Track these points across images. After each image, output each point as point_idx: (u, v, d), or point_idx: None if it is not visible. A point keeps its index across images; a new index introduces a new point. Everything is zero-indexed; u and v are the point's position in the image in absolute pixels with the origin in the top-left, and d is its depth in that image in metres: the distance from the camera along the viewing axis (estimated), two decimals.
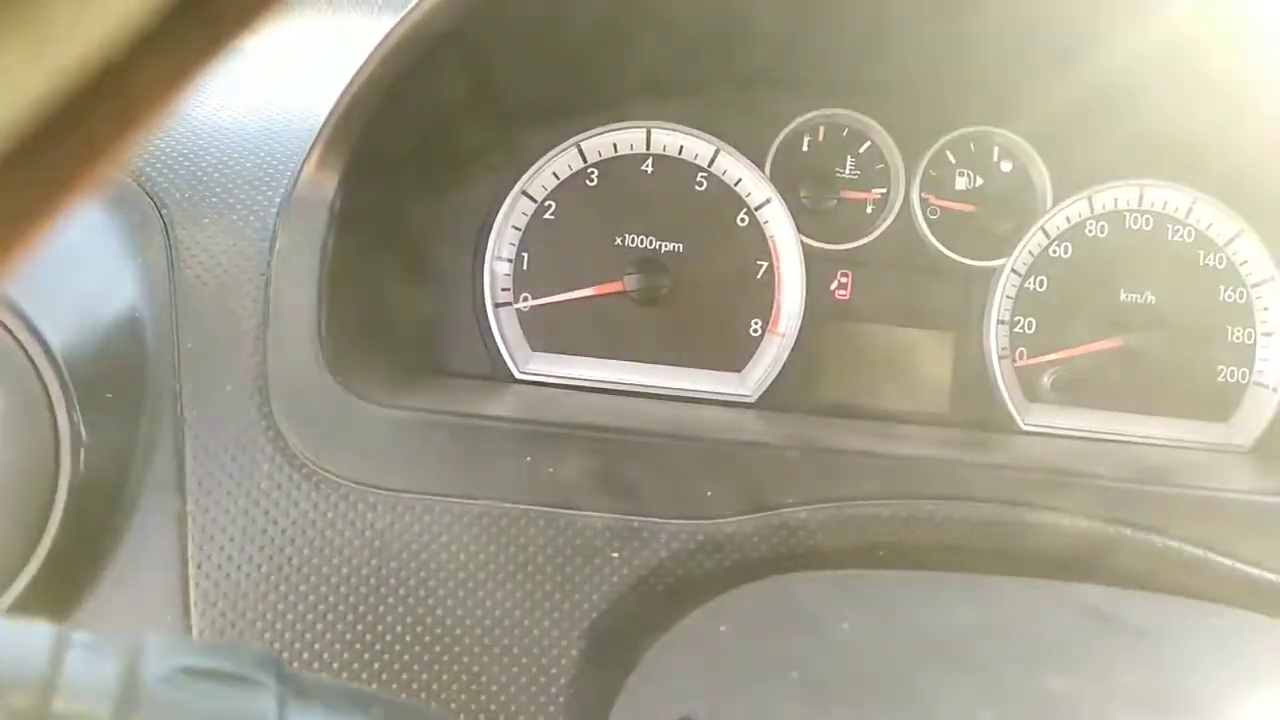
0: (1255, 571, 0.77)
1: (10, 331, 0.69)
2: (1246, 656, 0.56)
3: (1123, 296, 1.07)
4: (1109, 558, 0.76)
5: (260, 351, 0.78)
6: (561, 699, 0.72)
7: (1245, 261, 1.08)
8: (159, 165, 0.86)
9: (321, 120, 0.83)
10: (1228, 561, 0.78)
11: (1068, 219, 1.08)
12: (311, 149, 0.84)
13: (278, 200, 0.86)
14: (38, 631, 0.40)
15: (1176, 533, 0.78)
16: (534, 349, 1.04)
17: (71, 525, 0.71)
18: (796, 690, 0.51)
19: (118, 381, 0.76)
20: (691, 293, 1.05)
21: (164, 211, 0.84)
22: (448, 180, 1.01)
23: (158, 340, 0.79)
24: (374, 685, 0.72)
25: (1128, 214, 1.09)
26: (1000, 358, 1.06)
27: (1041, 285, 1.08)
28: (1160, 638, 0.57)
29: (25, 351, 0.69)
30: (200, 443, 0.76)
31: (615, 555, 0.75)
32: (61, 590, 0.73)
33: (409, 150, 0.92)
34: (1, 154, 0.23)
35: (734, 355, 1.06)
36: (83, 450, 0.71)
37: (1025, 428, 1.05)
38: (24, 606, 0.69)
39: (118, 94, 0.24)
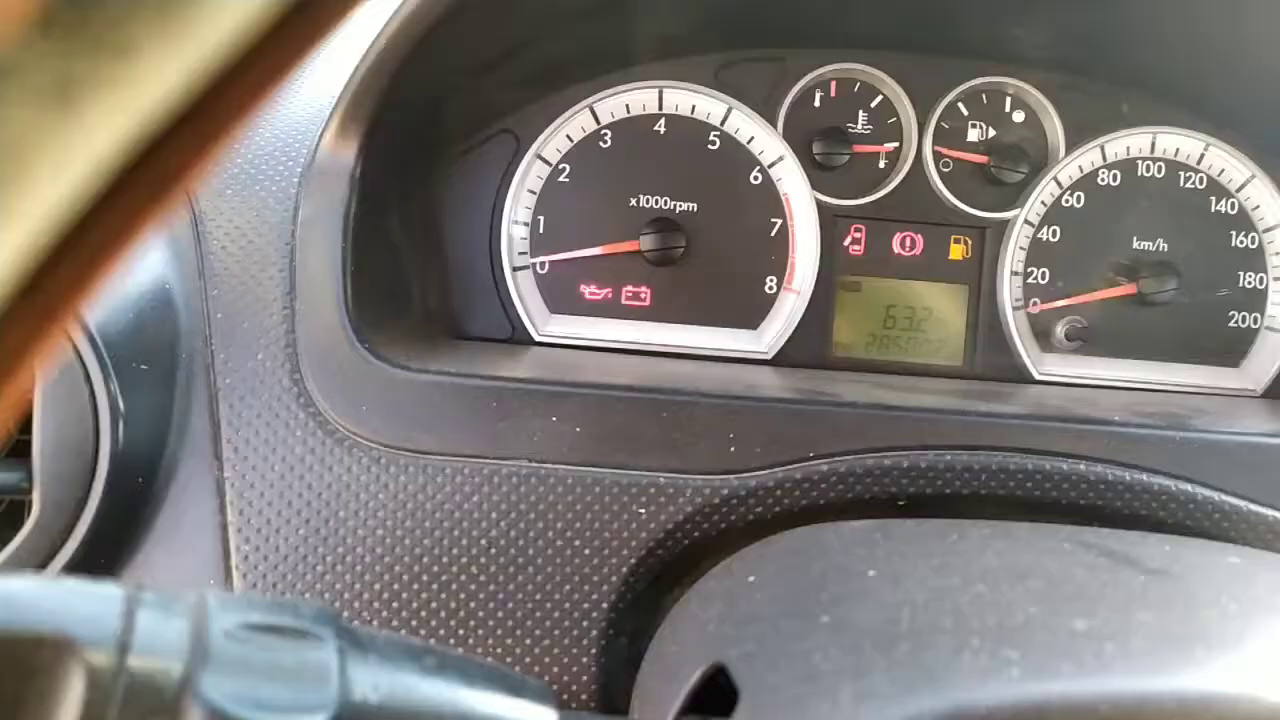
0: (1269, 512, 0.79)
1: None
2: (1264, 590, 0.58)
3: (1135, 244, 1.08)
4: (1124, 502, 0.78)
5: (288, 319, 0.79)
6: (594, 650, 0.75)
7: (1257, 207, 1.09)
8: None
9: (339, 89, 0.84)
10: (1241, 503, 0.79)
11: (1080, 168, 1.08)
12: (330, 117, 0.85)
13: (299, 170, 0.87)
14: (109, 591, 0.42)
15: (1190, 476, 0.80)
16: (552, 311, 1.06)
17: (114, 493, 0.73)
18: (827, 634, 0.53)
19: (152, 353, 0.78)
20: (706, 251, 1.06)
21: None
22: (463, 145, 1.02)
23: (189, 312, 0.80)
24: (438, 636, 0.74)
25: (1140, 161, 1.09)
26: (1014, 308, 1.08)
27: (1054, 235, 1.09)
28: (1177, 576, 0.59)
29: None
30: (234, 410, 0.77)
31: (642, 511, 0.76)
32: (106, 556, 0.75)
33: (425, 117, 0.93)
34: (92, 194, 0.25)
35: (749, 313, 1.07)
36: (121, 421, 0.73)
37: (1040, 377, 1.07)
38: (72, 572, 0.71)
39: (196, 126, 0.25)
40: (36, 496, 0.71)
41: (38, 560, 0.71)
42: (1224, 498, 0.79)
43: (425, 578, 0.75)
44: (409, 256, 0.96)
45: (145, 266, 0.80)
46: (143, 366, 0.76)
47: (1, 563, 0.70)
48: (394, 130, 0.87)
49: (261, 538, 0.75)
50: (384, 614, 0.74)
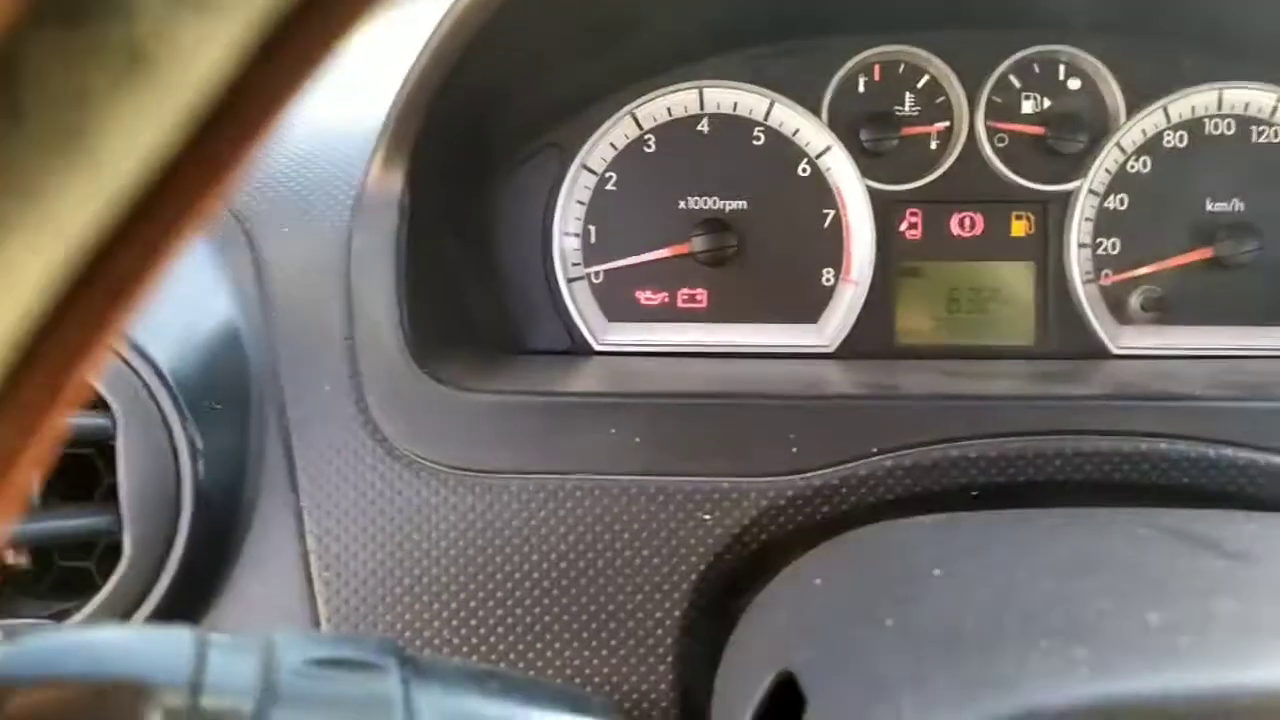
0: None
1: (122, 357, 0.74)
2: None
3: (1209, 206, 1.04)
4: (1209, 479, 0.75)
5: (350, 350, 0.81)
6: (669, 659, 0.75)
7: None
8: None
9: (384, 118, 0.86)
10: None
11: (1143, 132, 1.04)
12: (376, 147, 0.87)
13: (350, 202, 0.89)
14: (179, 635, 0.43)
15: (1278, 447, 0.76)
16: (610, 319, 1.06)
17: (199, 529, 0.76)
18: (891, 638, 0.52)
19: (224, 391, 0.81)
20: (760, 249, 1.05)
21: (246, 225, 0.88)
22: (509, 162, 1.03)
23: (256, 349, 0.83)
24: (489, 662, 0.75)
25: (1207, 120, 1.04)
26: (1085, 282, 1.04)
27: (1122, 204, 1.05)
28: (1261, 559, 0.56)
29: (137, 374, 0.74)
30: (306, 442, 0.80)
31: (707, 518, 0.76)
32: (197, 590, 0.78)
33: (468, 138, 0.95)
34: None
35: (808, 307, 1.06)
36: (201, 459, 0.76)
37: (1117, 351, 1.03)
38: (164, 611, 0.75)
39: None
40: (128, 538, 0.75)
41: (133, 599, 0.75)
42: None
43: (500, 595, 0.76)
44: (464, 277, 0.97)
45: (212, 308, 0.84)
46: (216, 405, 0.79)
47: (99, 604, 0.74)
48: (438, 155, 0.89)
49: (341, 564, 0.77)
50: (462, 632, 0.76)
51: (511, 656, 0.75)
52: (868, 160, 1.05)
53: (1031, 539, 0.62)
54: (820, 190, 1.05)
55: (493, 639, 0.75)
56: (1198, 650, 0.45)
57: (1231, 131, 1.04)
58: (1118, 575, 0.54)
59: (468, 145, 0.95)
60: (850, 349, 1.04)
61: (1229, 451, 0.76)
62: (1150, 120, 1.04)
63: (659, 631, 0.75)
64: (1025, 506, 0.71)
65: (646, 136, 1.06)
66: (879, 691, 0.49)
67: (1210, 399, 0.81)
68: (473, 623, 0.75)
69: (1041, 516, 0.66)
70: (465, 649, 0.75)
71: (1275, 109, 1.03)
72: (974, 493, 0.78)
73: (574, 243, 1.06)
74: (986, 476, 0.77)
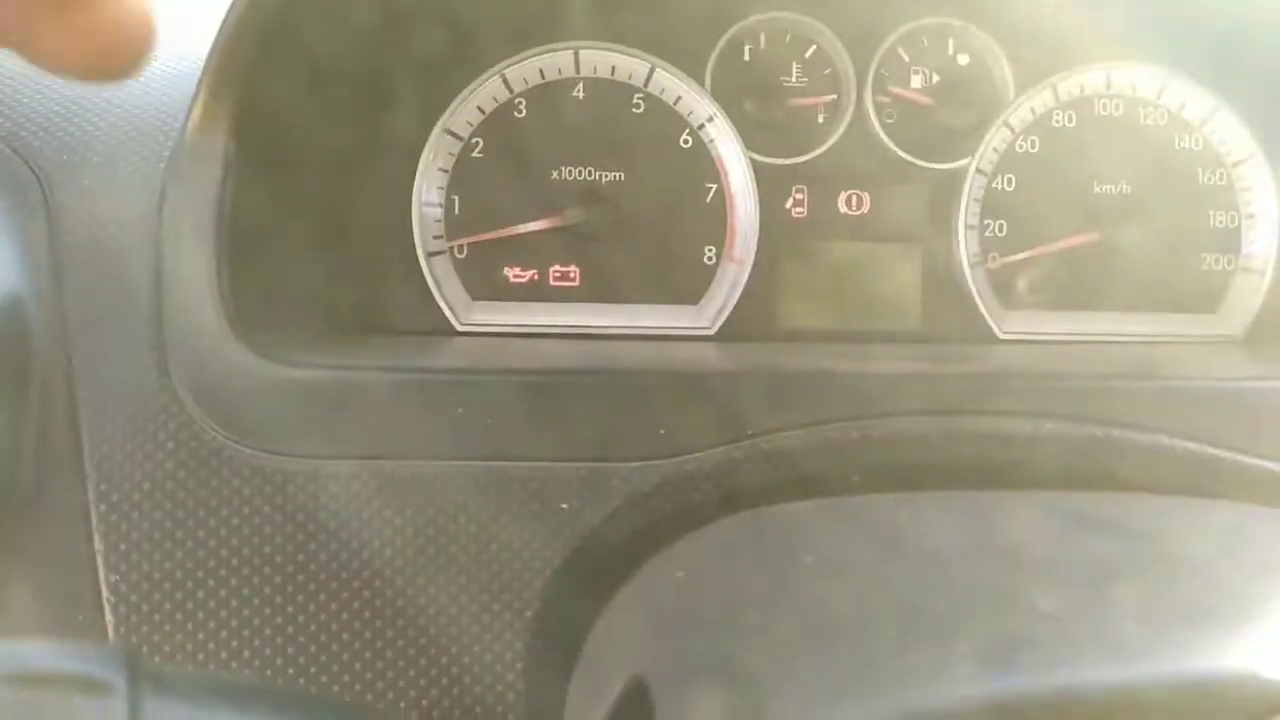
0: (1256, 462, 0.71)
1: None
2: (1259, 551, 0.50)
3: (1096, 189, 1.01)
4: (1100, 461, 0.71)
5: (155, 319, 0.71)
6: (517, 668, 0.67)
7: (1223, 141, 1.02)
8: (32, 124, 0.78)
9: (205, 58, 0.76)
10: (1225, 454, 0.72)
11: (1032, 110, 1.01)
12: (197, 92, 0.76)
13: (167, 154, 0.78)
14: None
15: (1169, 428, 0.73)
16: (475, 298, 0.97)
17: None
18: (755, 634, 0.45)
19: (1, 367, 0.69)
20: (637, 224, 0.98)
21: (40, 174, 0.76)
22: (362, 120, 0.93)
23: (42, 316, 0.71)
24: (313, 672, 0.65)
25: (1096, 100, 1.01)
26: (972, 265, 1.00)
27: (1009, 184, 1.01)
28: (1159, 541, 0.51)
29: None
30: (96, 424, 0.69)
31: (565, 507, 0.68)
32: None
33: (310, 88, 0.84)
34: None
35: (689, 287, 0.99)
36: None
37: (1003, 336, 0.99)
38: None
39: None
40: None
41: None
42: (1207, 449, 0.71)
43: (323, 598, 0.66)
44: (307, 245, 0.87)
45: None
46: None
47: None
48: (273, 103, 0.79)
49: (132, 564, 0.66)
50: (277, 641, 0.66)
51: (335, 669, 0.65)
52: (752, 132, 0.99)
53: (913, 524, 0.56)
54: (702, 163, 0.99)
55: (313, 649, 0.65)
56: (1094, 639, 0.39)
57: (1119, 113, 1.01)
58: (1007, 560, 0.48)
59: (308, 95, 0.85)
60: (732, 332, 0.98)
61: (1118, 433, 0.72)
62: (1040, 99, 1.00)
63: (507, 635, 0.67)
64: (908, 489, 0.65)
65: (517, 100, 0.97)
66: (737, 694, 0.42)
67: (1099, 379, 0.77)
68: (290, 630, 0.65)
69: (925, 500, 0.60)
70: (281, 663, 0.65)
71: (1162, 91, 1.01)
72: (855, 477, 0.71)
73: (435, 213, 0.97)
74: (870, 460, 0.71)
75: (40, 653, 0.36)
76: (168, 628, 0.65)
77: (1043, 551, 0.50)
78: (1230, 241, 1.02)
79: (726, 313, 0.98)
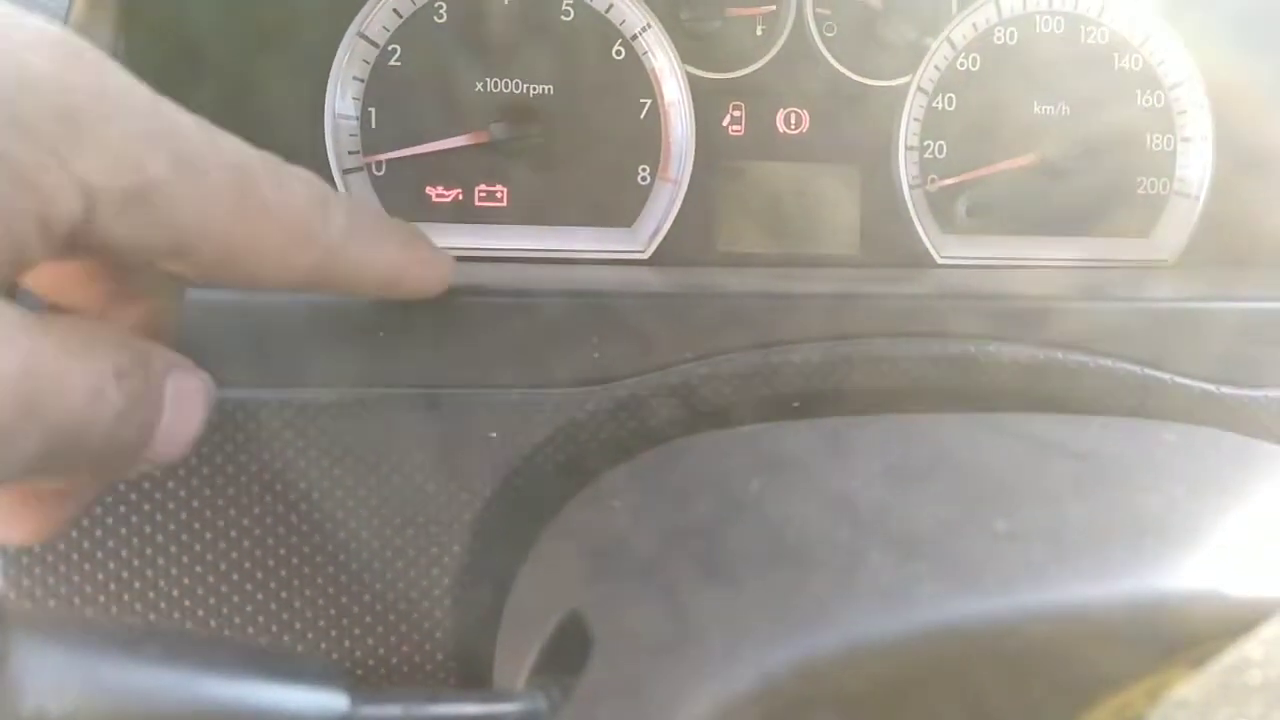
0: (1192, 383, 0.71)
1: None
2: (1209, 469, 0.50)
3: (1036, 109, 0.99)
4: (1042, 382, 0.69)
5: None
6: (448, 603, 0.63)
7: (1162, 62, 1.00)
8: None
9: None
10: (1164, 375, 0.71)
11: (974, 26, 0.98)
12: None
13: None
14: None
15: (1109, 350, 0.72)
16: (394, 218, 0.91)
17: None
18: (697, 563, 0.43)
19: None
20: (567, 141, 0.93)
21: None
22: (265, 21, 0.86)
23: None
24: (224, 613, 0.61)
25: (1038, 17, 0.99)
26: (911, 187, 0.98)
27: (950, 103, 0.99)
28: (1108, 461, 0.50)
29: None
30: None
31: (493, 435, 0.65)
32: None
33: None
34: None
35: (622, 208, 0.95)
36: None
37: (942, 261, 0.97)
38: None
39: None
40: None
41: None
42: (1147, 371, 0.71)
43: (233, 534, 0.62)
44: None
45: None
46: None
47: None
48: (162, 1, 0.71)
49: None
50: (184, 581, 0.61)
51: (249, 609, 0.61)
52: (689, 43, 0.94)
53: (861, 446, 0.54)
54: (636, 76, 0.94)
55: (224, 588, 0.61)
56: (1054, 559, 0.37)
57: (1060, 30, 0.99)
58: (958, 480, 0.46)
59: None
60: (667, 255, 0.94)
61: (1059, 354, 0.71)
62: (982, 14, 0.98)
63: (434, 571, 0.63)
64: (850, 414, 0.63)
65: (437, 4, 0.91)
66: (680, 627, 0.39)
67: (1038, 300, 0.76)
68: (198, 570, 0.61)
69: (871, 422, 0.58)
70: (189, 604, 0.61)
71: (1103, 9, 0.99)
72: (795, 403, 0.69)
73: (350, 126, 0.90)
74: (809, 384, 0.69)
75: None
76: (62, 568, 0.60)
77: (991, 472, 0.49)
78: (1165, 166, 1.01)
79: (661, 235, 0.94)
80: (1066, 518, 0.41)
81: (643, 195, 0.95)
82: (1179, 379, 0.70)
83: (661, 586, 0.43)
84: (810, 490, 0.48)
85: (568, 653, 0.44)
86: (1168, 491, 0.45)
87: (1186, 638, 0.36)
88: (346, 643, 0.63)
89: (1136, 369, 0.70)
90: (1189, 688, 0.34)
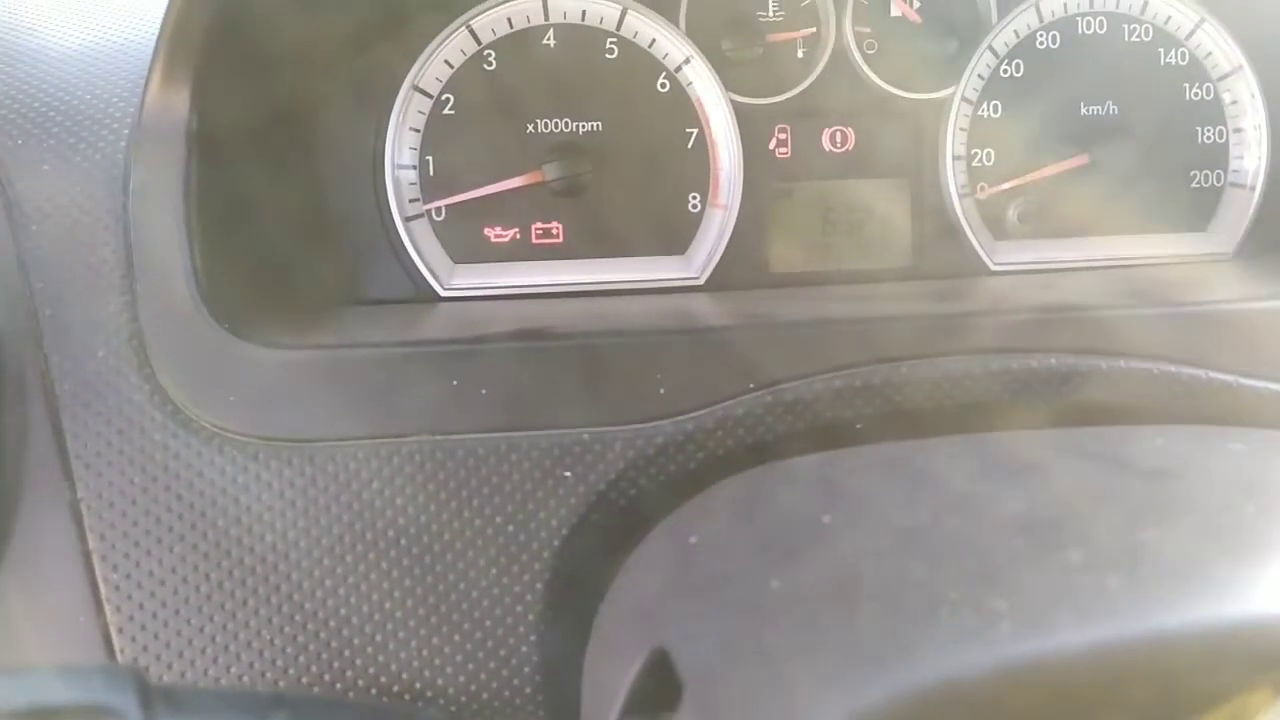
0: (1261, 384, 0.71)
1: None
2: (1272, 480, 0.50)
3: (1083, 110, 0.99)
4: (1106, 393, 0.70)
5: (130, 306, 0.68)
6: (530, 640, 0.66)
7: (1209, 54, 1.00)
8: None
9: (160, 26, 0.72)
10: (1230, 378, 0.71)
11: (1016, 33, 0.98)
12: (153, 64, 0.72)
13: (127, 133, 0.74)
14: None
15: (1172, 355, 0.72)
16: (456, 261, 0.94)
17: None
18: (779, 602, 0.44)
19: None
20: (618, 175, 0.95)
21: None
22: (326, 84, 0.89)
23: (11, 312, 0.68)
24: (325, 659, 0.64)
25: (1079, 19, 0.99)
26: (961, 196, 0.98)
27: (996, 111, 0.99)
28: (1178, 476, 0.51)
29: None
30: (79, 420, 0.66)
31: (568, 474, 0.67)
32: None
33: (271, 51, 0.81)
34: None
35: (674, 236, 0.97)
36: None
37: (996, 268, 0.98)
38: None
39: None
40: None
41: None
42: (1212, 375, 0.71)
43: (329, 584, 0.65)
44: (277, 218, 0.84)
45: None
46: None
47: None
48: (231, 70, 0.75)
49: (131, 563, 0.64)
50: (285, 631, 0.64)
51: (348, 654, 0.64)
52: (731, 72, 0.96)
53: (928, 472, 0.55)
54: (681, 107, 0.96)
55: (324, 635, 0.64)
56: (1129, 590, 0.38)
57: (1104, 30, 0.99)
58: (1028, 507, 0.47)
59: (271, 60, 0.81)
60: (721, 280, 0.96)
61: (1121, 363, 0.71)
62: (1023, 20, 0.98)
63: (519, 609, 0.66)
64: (914, 436, 0.64)
65: (486, 52, 0.94)
66: (767, 668, 0.41)
67: (1096, 308, 0.76)
68: (299, 619, 0.64)
69: (936, 446, 0.59)
70: (290, 653, 0.64)
71: (1145, 6, 0.99)
72: (859, 425, 0.70)
73: (410, 175, 0.93)
74: (872, 407, 0.70)
75: (49, 683, 0.34)
76: (173, 627, 0.64)
77: (1064, 495, 0.50)
78: (1218, 157, 1.01)
79: (715, 261, 0.96)
80: (1139, 545, 0.42)
81: (694, 222, 0.97)
82: (1246, 381, 0.70)
83: (743, 625, 0.45)
84: (884, 520, 0.50)
85: (658, 693, 0.46)
86: (1240, 508, 0.45)
87: (1267, 661, 0.37)
88: (439, 680, 0.65)
89: (1201, 373, 0.70)
90: (1273, 712, 0.35)
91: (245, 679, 0.61)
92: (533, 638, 0.66)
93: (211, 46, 0.72)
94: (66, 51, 0.81)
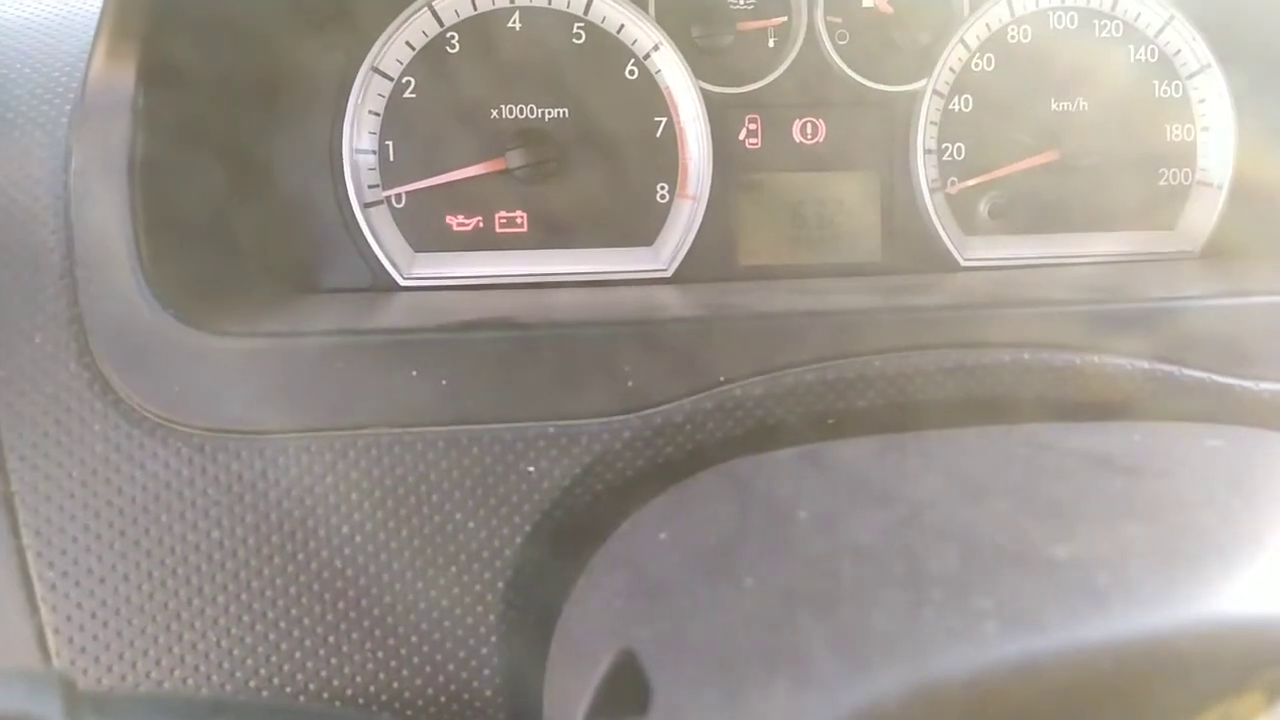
0: (1234, 381, 0.70)
1: None
2: (1260, 476, 0.49)
3: (1054, 105, 0.98)
4: (1078, 389, 0.69)
5: (69, 290, 0.64)
6: (493, 639, 0.63)
7: (1179, 51, 1.00)
8: None
9: None
10: (1201, 374, 0.71)
11: (987, 26, 0.97)
12: (96, 39, 0.69)
13: (69, 109, 0.71)
14: None
15: (1143, 351, 0.71)
16: (417, 250, 0.92)
17: None
18: (753, 601, 0.42)
19: None
20: (585, 163, 0.93)
21: None
22: (281, 63, 0.86)
23: None
24: (273, 662, 0.61)
25: (1051, 13, 0.98)
26: (931, 190, 0.97)
27: (967, 105, 0.98)
28: (1159, 472, 0.50)
29: None
30: (14, 410, 0.63)
31: (531, 469, 0.65)
32: None
33: (220, 27, 0.77)
34: None
35: (642, 227, 0.94)
36: None
37: (966, 263, 0.97)
38: None
39: None
40: None
41: None
42: (1182, 371, 0.70)
43: (279, 581, 0.62)
44: (230, 201, 0.80)
45: None
46: None
47: None
48: (183, 46, 0.72)
49: (68, 560, 0.61)
50: (233, 632, 0.61)
51: (298, 656, 0.61)
52: (701, 60, 0.94)
53: (905, 466, 0.53)
54: (650, 95, 0.94)
55: (272, 637, 0.61)
56: (1118, 587, 0.37)
57: (1074, 25, 0.98)
58: (1009, 502, 0.46)
59: (220, 34, 0.78)
60: (689, 272, 0.94)
61: (1094, 358, 0.71)
62: (994, 14, 0.97)
63: (478, 609, 0.63)
64: (886, 431, 0.63)
65: (449, 34, 0.91)
66: (741, 671, 0.39)
67: (1067, 303, 0.75)
68: (245, 619, 0.61)
69: (912, 440, 0.58)
70: (237, 656, 0.61)
71: (1116, 2, 0.98)
72: (830, 420, 0.69)
73: (369, 160, 0.90)
74: (844, 401, 0.69)
75: None
76: (113, 627, 0.60)
77: (1040, 490, 0.48)
78: (1187, 155, 1.01)
79: (683, 252, 0.94)
80: (1125, 541, 0.40)
81: (662, 213, 0.95)
82: (1219, 378, 0.70)
83: (717, 627, 0.43)
84: (861, 516, 0.48)
85: (624, 694, 0.44)
86: (1223, 505, 0.44)
87: (1257, 662, 0.35)
88: (395, 684, 0.63)
89: (1172, 369, 0.70)
90: (1263, 715, 0.33)
91: (190, 682, 0.58)
92: (493, 639, 0.64)
93: (159, 18, 0.68)
94: (4, 23, 0.77)
